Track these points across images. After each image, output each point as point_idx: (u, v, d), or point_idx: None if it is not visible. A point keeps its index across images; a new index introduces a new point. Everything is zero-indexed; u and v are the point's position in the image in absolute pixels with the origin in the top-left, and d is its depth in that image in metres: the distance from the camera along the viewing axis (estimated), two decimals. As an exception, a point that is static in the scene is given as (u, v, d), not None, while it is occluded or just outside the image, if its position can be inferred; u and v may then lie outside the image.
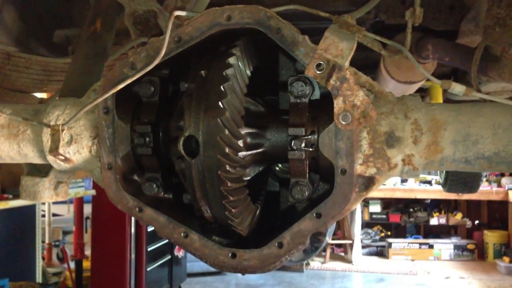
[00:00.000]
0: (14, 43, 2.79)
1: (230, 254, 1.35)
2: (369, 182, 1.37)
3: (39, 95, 3.38)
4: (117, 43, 2.29)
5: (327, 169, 1.33)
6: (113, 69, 1.36)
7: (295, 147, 1.30)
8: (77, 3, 2.85)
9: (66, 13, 2.83)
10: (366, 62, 3.13)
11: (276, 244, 1.32)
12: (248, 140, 1.35)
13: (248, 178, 1.40)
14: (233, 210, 1.28)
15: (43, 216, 8.53)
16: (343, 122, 1.26)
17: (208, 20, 1.32)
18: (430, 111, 1.32)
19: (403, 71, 2.76)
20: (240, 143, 1.28)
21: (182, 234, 1.37)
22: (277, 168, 1.63)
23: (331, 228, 11.46)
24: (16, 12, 2.71)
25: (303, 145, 1.30)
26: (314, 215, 1.31)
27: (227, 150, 1.23)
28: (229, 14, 1.30)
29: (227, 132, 1.22)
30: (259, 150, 1.40)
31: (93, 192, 7.13)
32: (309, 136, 1.33)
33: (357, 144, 1.30)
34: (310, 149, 1.33)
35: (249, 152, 1.36)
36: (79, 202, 7.89)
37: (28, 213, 7.06)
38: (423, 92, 3.90)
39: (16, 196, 5.56)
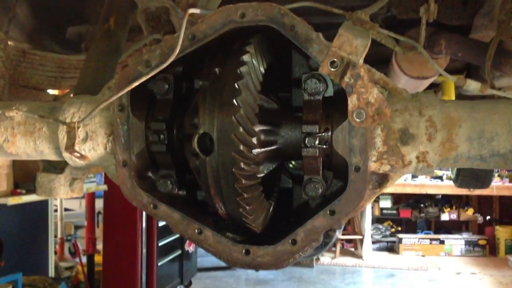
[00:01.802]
0: (27, 39, 2.81)
1: (244, 251, 1.35)
2: (382, 179, 1.37)
3: (51, 91, 3.41)
4: (130, 39, 2.30)
5: (341, 166, 1.33)
6: (128, 67, 1.37)
7: (308, 144, 1.31)
8: (89, 0, 2.86)
9: (79, 10, 2.85)
10: (378, 57, 3.11)
11: (290, 241, 1.33)
12: (262, 137, 1.36)
13: (262, 175, 1.40)
14: (247, 207, 1.29)
15: (55, 211, 8.61)
16: (357, 120, 1.25)
17: (222, 18, 1.32)
18: (445, 108, 1.32)
19: (415, 66, 2.74)
20: (254, 140, 1.28)
21: (196, 230, 1.38)
22: (290, 165, 1.63)
23: (344, 223, 11.42)
24: (29, 8, 2.73)
25: (316, 142, 1.30)
26: (328, 212, 1.31)
27: (241, 147, 1.23)
28: (243, 11, 1.31)
29: (241, 129, 1.23)
30: (272, 147, 1.40)
31: (104, 187, 7.18)
32: (323, 133, 1.33)
33: (371, 141, 1.30)
34: (324, 146, 1.33)
35: (263, 149, 1.36)
36: (91, 197, 7.95)
37: (41, 208, 7.13)
38: (435, 87, 3.88)
39: (29, 191, 5.62)
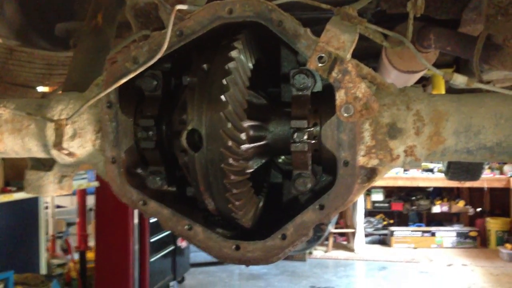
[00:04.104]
0: (15, 36, 2.78)
1: (234, 246, 1.36)
2: (371, 173, 1.38)
3: (40, 88, 3.38)
4: (119, 35, 2.29)
5: (330, 161, 1.33)
6: (115, 64, 1.37)
7: (297, 140, 1.31)
8: (78, -4, 2.84)
9: (67, 6, 2.82)
10: (368, 52, 3.12)
11: (280, 236, 1.33)
12: (251, 133, 1.36)
13: (251, 170, 1.41)
14: (236, 202, 1.29)
15: (47, 208, 8.58)
16: (345, 114, 1.26)
17: (210, 14, 1.32)
18: (432, 102, 1.33)
19: (405, 60, 2.75)
20: (243, 136, 1.28)
21: (186, 226, 1.38)
22: (280, 160, 1.64)
23: (334, 217, 11.47)
24: (17, 5, 2.71)
25: (305, 137, 1.31)
26: (317, 206, 1.31)
27: (230, 143, 1.23)
28: (230, 7, 1.30)
29: (229, 125, 1.23)
30: (261, 143, 1.41)
31: (96, 183, 7.16)
32: (312, 128, 1.33)
33: (360, 136, 1.31)
34: (313, 141, 1.34)
35: (252, 145, 1.36)
36: (82, 194, 7.92)
37: (32, 205, 7.10)
38: (425, 81, 3.90)
39: (20, 189, 5.59)
